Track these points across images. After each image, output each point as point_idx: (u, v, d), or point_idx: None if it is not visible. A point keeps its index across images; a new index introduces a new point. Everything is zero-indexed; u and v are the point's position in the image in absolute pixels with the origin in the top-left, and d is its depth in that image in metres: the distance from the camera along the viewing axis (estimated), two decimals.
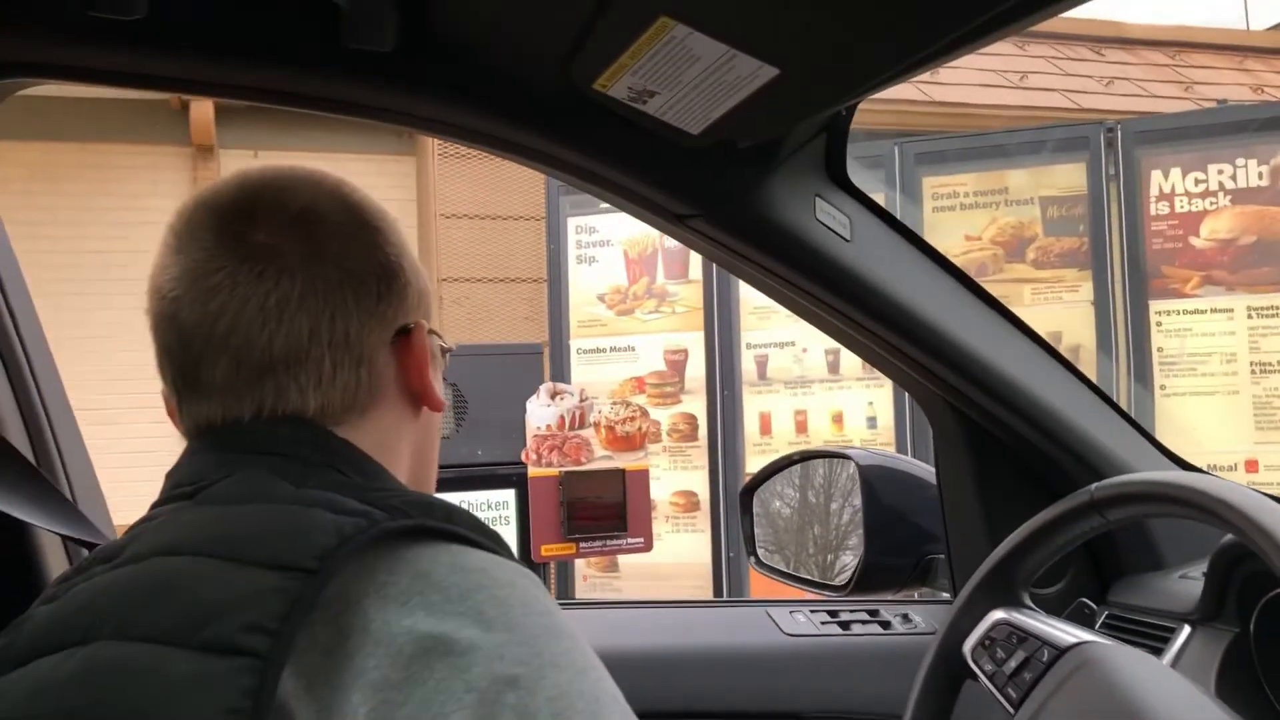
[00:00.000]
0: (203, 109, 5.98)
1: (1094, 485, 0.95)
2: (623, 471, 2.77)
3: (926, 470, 1.53)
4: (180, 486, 0.74)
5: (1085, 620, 0.98)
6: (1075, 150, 4.24)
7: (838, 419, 4.50)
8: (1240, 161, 4.04)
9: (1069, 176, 4.25)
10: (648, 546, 2.76)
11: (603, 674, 0.64)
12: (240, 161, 6.13)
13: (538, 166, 1.02)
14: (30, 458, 0.96)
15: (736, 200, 1.03)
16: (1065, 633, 0.94)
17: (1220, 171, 4.07)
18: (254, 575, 0.62)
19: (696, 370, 4.63)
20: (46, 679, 0.63)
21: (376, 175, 6.21)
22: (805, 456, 1.63)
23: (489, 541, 0.68)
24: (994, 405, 1.20)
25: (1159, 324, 4.13)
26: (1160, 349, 4.11)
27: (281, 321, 0.74)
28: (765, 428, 4.57)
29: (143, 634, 0.62)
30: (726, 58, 0.83)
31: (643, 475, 2.80)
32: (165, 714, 0.58)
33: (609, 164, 0.99)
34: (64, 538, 0.96)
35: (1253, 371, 4.02)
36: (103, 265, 6.01)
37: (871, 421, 4.45)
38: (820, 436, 4.43)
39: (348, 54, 0.89)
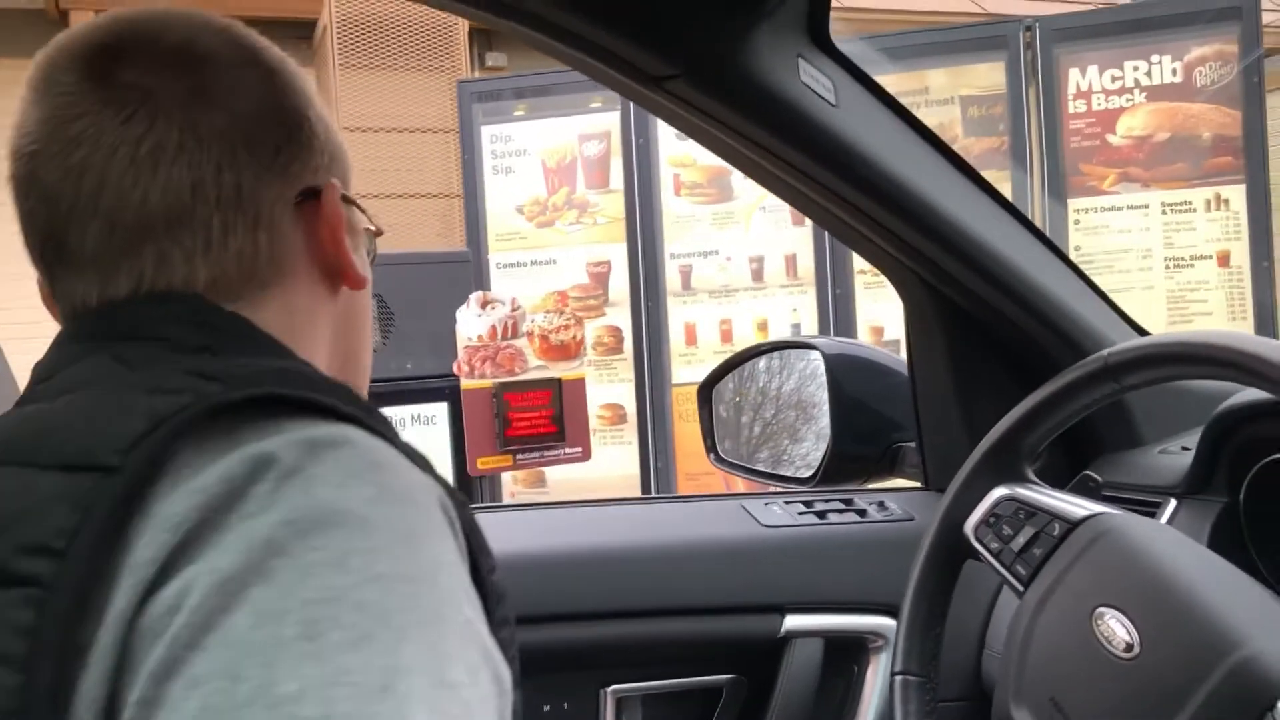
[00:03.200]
0: (83, 20, 5.59)
1: (1106, 350, 0.91)
2: (559, 380, 2.70)
3: (891, 357, 1.49)
4: (35, 384, 0.62)
5: (1090, 493, 0.95)
6: (994, 49, 4.23)
7: (763, 326, 4.48)
8: (1155, 58, 4.07)
9: (988, 75, 4.24)
10: (586, 455, 2.71)
11: (413, 590, 0.48)
12: None
13: (511, 24, 0.92)
14: None
15: (720, 58, 0.95)
16: (1076, 505, 0.91)
17: (1136, 68, 4.09)
18: (48, 480, 0.50)
19: (620, 282, 4.55)
20: None
21: None
22: (767, 349, 1.58)
23: (357, 412, 0.56)
24: (978, 281, 1.16)
25: (1077, 222, 4.18)
26: (1078, 247, 4.17)
27: (156, 173, 0.62)
28: (690, 338, 4.53)
29: None
30: None
31: (579, 384, 2.74)
32: None
33: (589, 19, 0.90)
34: None
35: (1166, 266, 4.10)
36: None
37: (796, 329, 4.44)
38: (746, 344, 4.41)
39: None
